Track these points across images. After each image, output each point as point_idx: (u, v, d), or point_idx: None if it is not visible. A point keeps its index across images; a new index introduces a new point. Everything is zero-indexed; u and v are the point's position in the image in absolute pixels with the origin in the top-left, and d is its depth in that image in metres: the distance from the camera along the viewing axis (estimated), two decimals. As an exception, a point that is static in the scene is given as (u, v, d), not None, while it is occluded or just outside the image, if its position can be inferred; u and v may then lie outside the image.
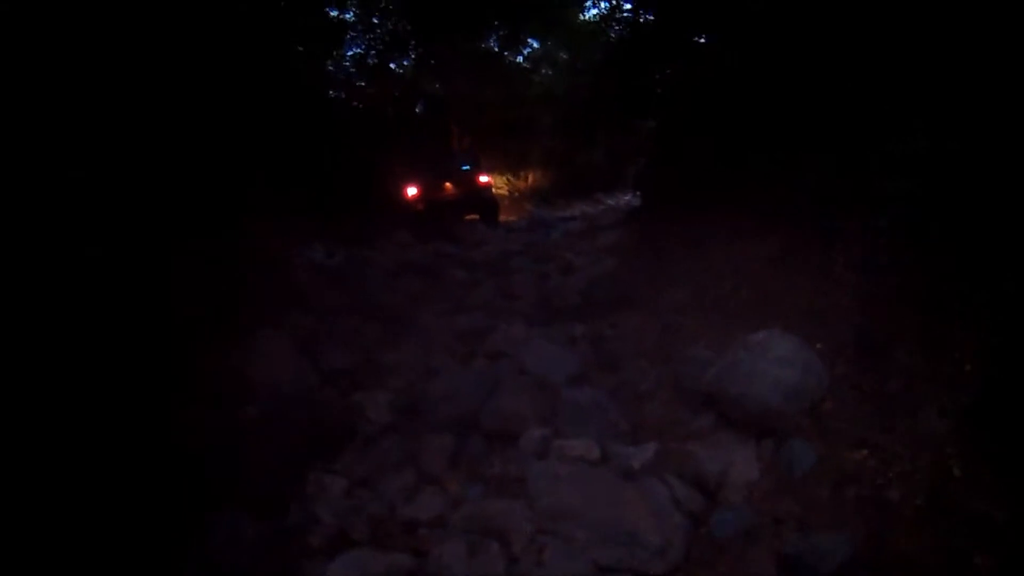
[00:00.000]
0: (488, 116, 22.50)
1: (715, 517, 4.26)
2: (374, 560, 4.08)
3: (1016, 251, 4.36)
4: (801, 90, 6.76)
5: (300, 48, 14.46)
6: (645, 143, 18.20)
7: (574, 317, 7.88)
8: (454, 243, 13.54)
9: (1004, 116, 4.78)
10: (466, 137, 21.45)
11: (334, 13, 17.71)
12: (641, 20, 12.89)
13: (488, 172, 17.56)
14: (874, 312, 5.25)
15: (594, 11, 19.22)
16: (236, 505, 4.47)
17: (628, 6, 13.79)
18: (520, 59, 25.30)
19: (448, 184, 16.19)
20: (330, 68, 18.28)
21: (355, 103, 19.81)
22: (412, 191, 15.93)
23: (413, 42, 21.52)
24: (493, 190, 18.41)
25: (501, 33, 23.34)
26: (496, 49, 23.94)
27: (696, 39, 10.28)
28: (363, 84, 20.61)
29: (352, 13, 19.19)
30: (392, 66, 22.10)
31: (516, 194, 24.20)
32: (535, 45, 25.16)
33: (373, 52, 20.72)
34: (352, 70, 20.26)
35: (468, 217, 16.39)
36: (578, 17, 21.75)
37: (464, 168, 16.73)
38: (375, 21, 20.37)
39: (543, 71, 25.63)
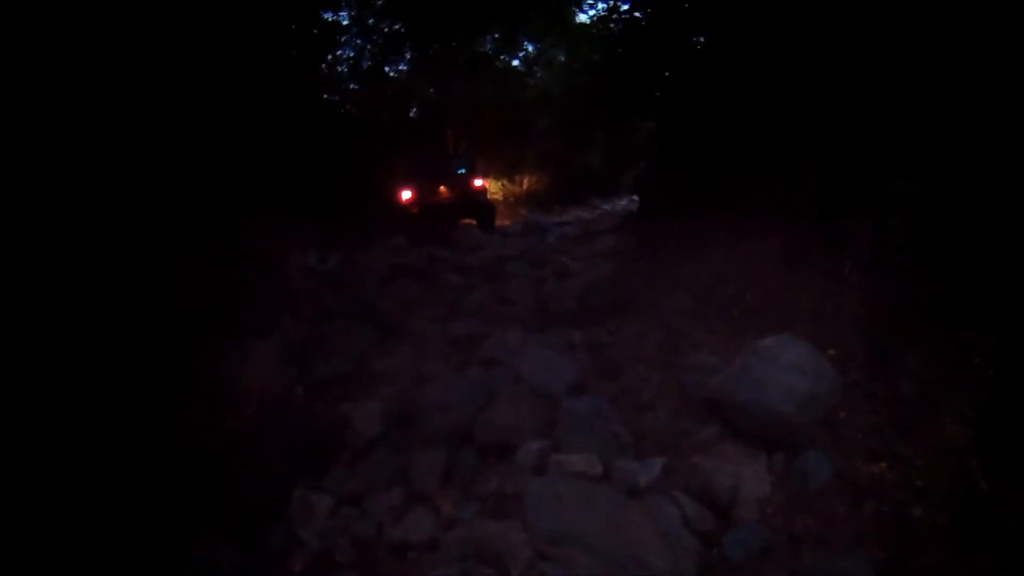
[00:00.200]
0: (484, 119, 22.29)
1: (728, 537, 4.01)
2: (359, 588, 3.82)
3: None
4: (802, 89, 6.54)
5: (294, 51, 14.31)
6: (642, 146, 18.09)
7: (572, 323, 7.61)
8: (449, 247, 13.26)
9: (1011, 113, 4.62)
10: (462, 141, 21.24)
11: (328, 16, 17.51)
12: (639, 20, 12.66)
13: (484, 176, 17.29)
14: (885, 315, 5.05)
15: (591, 12, 18.99)
16: (214, 528, 4.22)
17: (625, 7, 13.51)
18: (516, 62, 25.09)
19: (443, 188, 15.94)
20: (324, 71, 18.03)
21: (350, 107, 19.64)
22: (407, 195, 15.70)
23: (408, 45, 21.35)
24: (489, 194, 18.18)
25: (497, 35, 23.18)
26: (492, 52, 23.72)
27: (695, 39, 10.06)
28: (358, 88, 20.40)
29: (346, 15, 19.02)
30: (387, 70, 21.91)
31: (511, 198, 23.95)
32: (531, 48, 24.95)
33: (368, 55, 20.55)
34: (347, 74, 20.05)
35: (464, 221, 16.16)
36: (575, 18, 21.53)
37: (460, 172, 16.50)
38: (370, 24, 20.20)
39: (539, 73, 25.39)
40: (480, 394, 5.48)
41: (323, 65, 17.81)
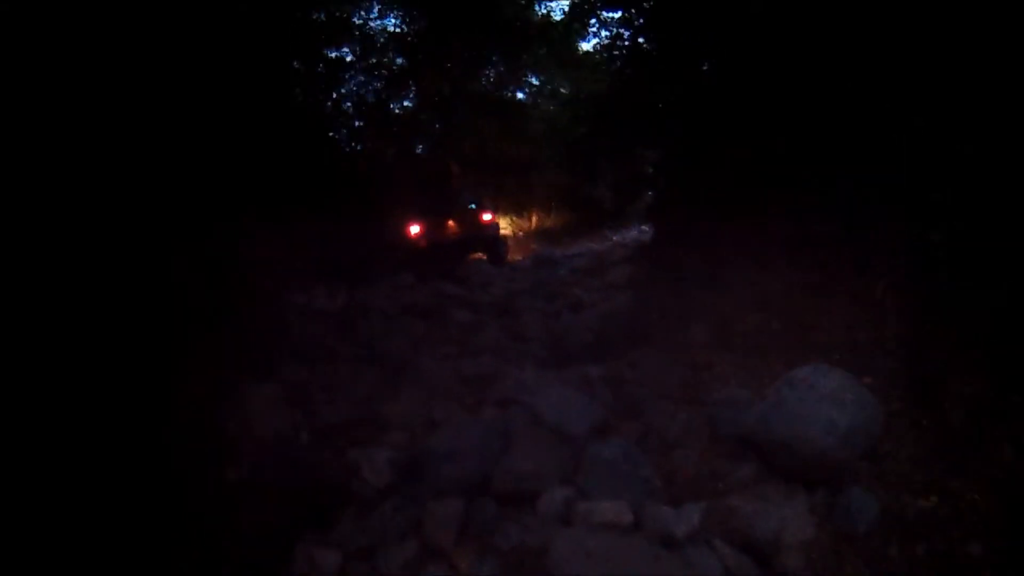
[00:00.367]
0: (490, 154, 22.16)
1: (774, 589, 3.65)
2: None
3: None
4: (823, 101, 6.27)
5: (299, 89, 14.33)
6: (651, 176, 17.92)
7: (589, 358, 7.30)
8: (458, 283, 12.99)
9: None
10: (470, 175, 21.07)
11: (332, 53, 17.53)
12: (644, 47, 12.51)
13: (493, 210, 17.07)
14: (925, 339, 4.76)
15: (594, 40, 18.90)
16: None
17: (628, 34, 13.39)
18: (521, 95, 25.03)
19: (452, 222, 15.75)
20: (330, 109, 17.98)
21: (354, 143, 19.58)
22: (415, 229, 15.50)
23: (412, 81, 21.35)
24: (499, 228, 17.98)
25: (500, 69, 23.18)
26: (496, 85, 23.70)
27: (703, 62, 9.86)
28: (362, 124, 20.34)
29: (350, 52, 19.03)
30: (392, 106, 21.88)
31: (520, 233, 23.80)
32: (535, 80, 24.92)
33: (372, 92, 20.54)
34: (351, 111, 20.02)
35: (474, 256, 15.93)
36: (577, 48, 21.48)
37: (469, 206, 16.28)
38: (373, 61, 20.21)
39: (544, 106, 25.31)
40: (496, 438, 5.12)
41: (328, 103, 17.78)
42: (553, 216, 24.67)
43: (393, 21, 20.33)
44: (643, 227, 20.74)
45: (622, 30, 13.52)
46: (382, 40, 20.13)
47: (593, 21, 15.94)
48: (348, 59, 18.90)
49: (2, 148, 4.35)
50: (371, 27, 20.01)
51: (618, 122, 14.33)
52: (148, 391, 4.73)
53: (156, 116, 6.07)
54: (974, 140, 4.71)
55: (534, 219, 24.64)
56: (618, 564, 3.61)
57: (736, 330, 6.38)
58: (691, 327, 6.96)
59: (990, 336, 4.38)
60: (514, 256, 18.58)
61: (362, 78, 20.18)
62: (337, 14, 17.37)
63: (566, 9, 20.13)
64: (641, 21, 12.10)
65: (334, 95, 18.27)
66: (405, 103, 22.23)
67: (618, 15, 13.27)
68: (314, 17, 15.50)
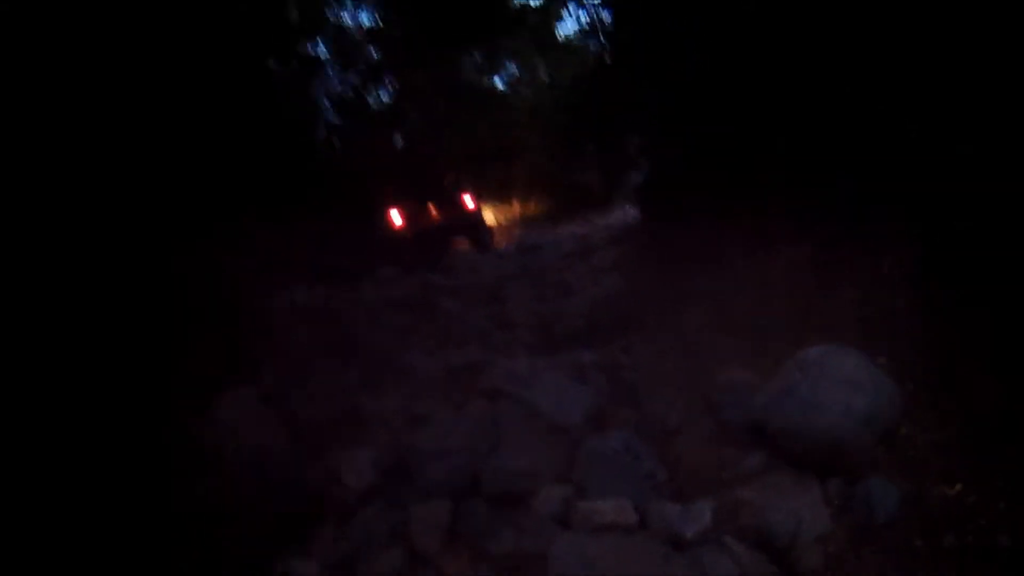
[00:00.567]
0: (471, 142, 21.89)
1: (793, 588, 3.35)
2: None
3: None
4: (826, 69, 5.98)
5: (275, 86, 14.20)
6: (635, 157, 17.67)
7: (581, 343, 7.04)
8: (443, 272, 12.70)
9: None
10: (452, 164, 20.78)
11: (309, 49, 17.37)
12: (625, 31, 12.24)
13: (476, 196, 16.83)
14: (944, 317, 4.44)
15: (575, 26, 18.71)
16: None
17: (609, 15, 13.14)
18: (499, 82, 24.77)
19: (436, 210, 15.54)
20: (307, 105, 17.74)
21: (333, 137, 19.32)
22: (398, 220, 15.26)
23: (389, 74, 21.07)
24: (483, 214, 17.73)
25: (478, 58, 22.93)
26: (475, 73, 23.44)
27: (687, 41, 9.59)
28: (341, 120, 20.06)
29: (325, 48, 18.78)
30: (370, 100, 21.61)
31: (504, 219, 23.50)
32: (514, 67, 24.65)
33: (349, 86, 20.28)
34: (330, 106, 19.76)
35: (459, 243, 15.68)
36: (557, 34, 21.25)
37: (452, 193, 16.05)
38: (350, 55, 19.95)
39: (524, 93, 25.04)
40: (486, 433, 4.82)
41: (305, 99, 17.57)
42: (536, 202, 24.37)
43: (367, 16, 20.07)
44: (628, 208, 20.48)
45: (603, 12, 13.28)
46: (357, 35, 19.83)
47: (572, 5, 15.77)
48: (324, 55, 18.60)
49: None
50: (346, 22, 19.74)
51: (601, 105, 14.09)
52: (119, 395, 4.41)
53: (130, 113, 5.82)
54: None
55: (517, 205, 24.34)
56: (624, 569, 3.30)
57: (734, 311, 6.08)
58: (686, 309, 6.67)
59: (1015, 311, 4.09)
60: (499, 242, 18.29)
61: (340, 73, 19.89)
62: (311, 11, 17.22)
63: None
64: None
65: (310, 91, 18.04)
66: (383, 96, 21.92)
67: (598, -1, 13.04)
68: (288, 14, 15.34)
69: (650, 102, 11.22)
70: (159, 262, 5.73)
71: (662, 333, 6.58)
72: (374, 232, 15.36)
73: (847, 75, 5.75)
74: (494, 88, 24.78)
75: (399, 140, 22.32)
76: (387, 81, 21.65)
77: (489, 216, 21.65)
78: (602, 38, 14.09)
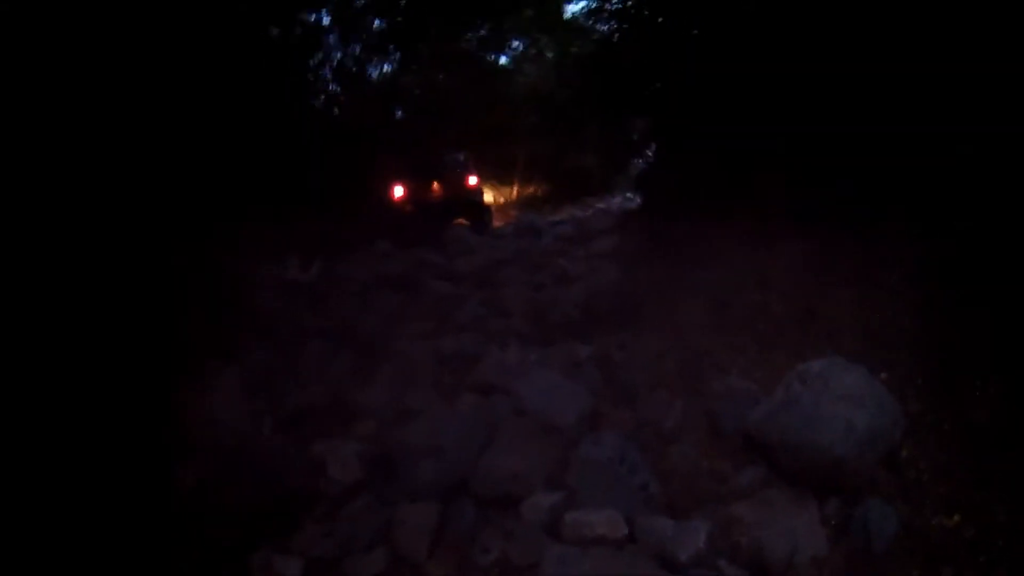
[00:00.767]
0: (472, 119, 21.63)
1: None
2: None
3: None
4: (833, 63, 5.85)
5: (274, 53, 13.93)
6: (637, 142, 17.50)
7: (576, 335, 6.89)
8: (439, 251, 12.52)
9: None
10: (454, 139, 20.56)
11: (310, 17, 16.99)
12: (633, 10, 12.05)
13: (477, 175, 16.61)
14: (948, 331, 4.34)
15: (581, 4, 18.40)
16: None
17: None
18: (504, 59, 24.45)
19: (437, 185, 15.40)
20: (307, 74, 17.45)
21: (333, 109, 19.05)
22: (399, 192, 15.14)
23: (392, 46, 20.76)
24: (483, 193, 17.52)
25: (482, 33, 22.61)
26: (479, 49, 23.12)
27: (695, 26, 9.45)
28: (341, 90, 19.76)
29: (328, 16, 18.41)
30: (371, 71, 21.30)
31: (502, 199, 23.31)
32: (519, 44, 24.34)
33: (351, 56, 19.96)
34: (330, 76, 19.44)
35: (458, 221, 15.48)
36: (563, 11, 20.95)
37: (454, 170, 15.84)
38: (352, 24, 19.61)
39: (528, 70, 24.75)
40: (477, 431, 4.68)
41: (305, 67, 17.29)
42: (535, 183, 24.17)
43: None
44: (628, 194, 20.32)
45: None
46: (360, 3, 19.49)
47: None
48: (325, 23, 18.25)
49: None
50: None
51: (606, 86, 13.90)
52: (90, 378, 4.26)
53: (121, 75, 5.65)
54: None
55: (516, 186, 24.15)
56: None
57: (734, 311, 5.98)
58: (684, 305, 6.56)
59: (1017, 328, 3.98)
60: (496, 223, 18.11)
61: (341, 43, 19.56)
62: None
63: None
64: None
65: (311, 61, 17.76)
66: (385, 68, 21.60)
67: (608, -24, 12.82)
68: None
69: (656, 88, 11.10)
70: (132, 234, 5.52)
71: (659, 329, 6.45)
72: (371, 205, 15.12)
73: (850, 74, 5.64)
74: (497, 64, 24.44)
75: (399, 113, 22.06)
76: (389, 52, 21.32)
77: (488, 196, 21.50)
78: (609, 17, 13.79)
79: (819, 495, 3.85)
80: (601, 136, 21.62)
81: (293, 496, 4.34)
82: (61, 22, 5.23)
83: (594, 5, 15.28)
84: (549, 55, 23.99)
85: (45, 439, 3.79)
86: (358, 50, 19.92)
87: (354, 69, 19.87)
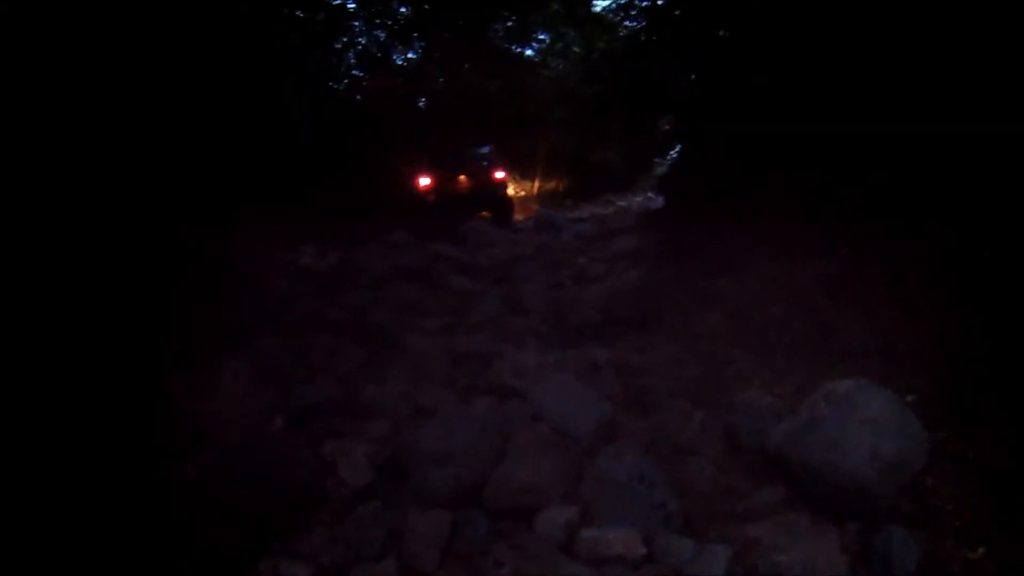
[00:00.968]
0: (496, 111, 21.51)
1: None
2: None
3: None
4: (864, 67, 5.73)
5: (295, 36, 13.86)
6: (661, 142, 17.41)
7: (594, 338, 6.83)
8: (457, 243, 12.42)
9: None
10: (479, 131, 20.46)
11: (335, 1, 16.92)
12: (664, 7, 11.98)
13: (504, 168, 16.48)
14: (976, 357, 4.21)
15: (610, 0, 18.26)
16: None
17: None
18: (530, 51, 24.32)
19: (463, 177, 15.31)
20: (331, 58, 17.38)
21: (356, 95, 18.98)
22: (425, 181, 15.10)
23: (417, 33, 20.66)
24: (508, 187, 17.40)
25: (509, 24, 22.48)
26: (504, 40, 23.01)
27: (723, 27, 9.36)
28: (364, 76, 19.69)
29: (353, 1, 18.33)
30: (395, 58, 21.23)
31: (523, 192, 23.20)
32: (545, 37, 24.20)
33: (375, 43, 19.88)
34: (354, 61, 19.38)
35: (481, 214, 15.38)
36: (591, 6, 20.80)
37: (481, 163, 15.73)
38: (377, 9, 19.51)
39: (554, 64, 24.60)
40: (491, 438, 4.57)
41: (329, 52, 17.22)
42: (557, 178, 24.05)
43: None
44: (649, 194, 20.23)
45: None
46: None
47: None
48: (350, 7, 18.15)
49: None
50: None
51: (632, 84, 13.81)
52: (78, 366, 4.19)
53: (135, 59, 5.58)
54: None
55: (537, 180, 24.04)
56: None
57: (755, 322, 5.87)
58: (705, 313, 6.48)
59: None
60: (517, 216, 18.02)
61: (365, 28, 19.47)
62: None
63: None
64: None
65: (335, 44, 17.67)
66: (409, 55, 21.51)
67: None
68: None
69: (682, 88, 11.01)
70: (139, 219, 5.43)
71: (679, 335, 6.38)
72: (391, 193, 15.09)
73: (884, 76, 5.53)
74: (522, 56, 24.30)
75: (423, 101, 21.99)
76: (413, 39, 21.23)
77: (509, 189, 21.45)
78: (638, 13, 13.72)
79: (839, 520, 3.73)
80: (625, 134, 21.52)
81: (302, 497, 4.24)
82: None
83: (623, 1, 15.20)
84: (576, 50, 23.81)
85: (29, 433, 3.69)
86: (383, 36, 19.87)
87: (378, 55, 19.81)
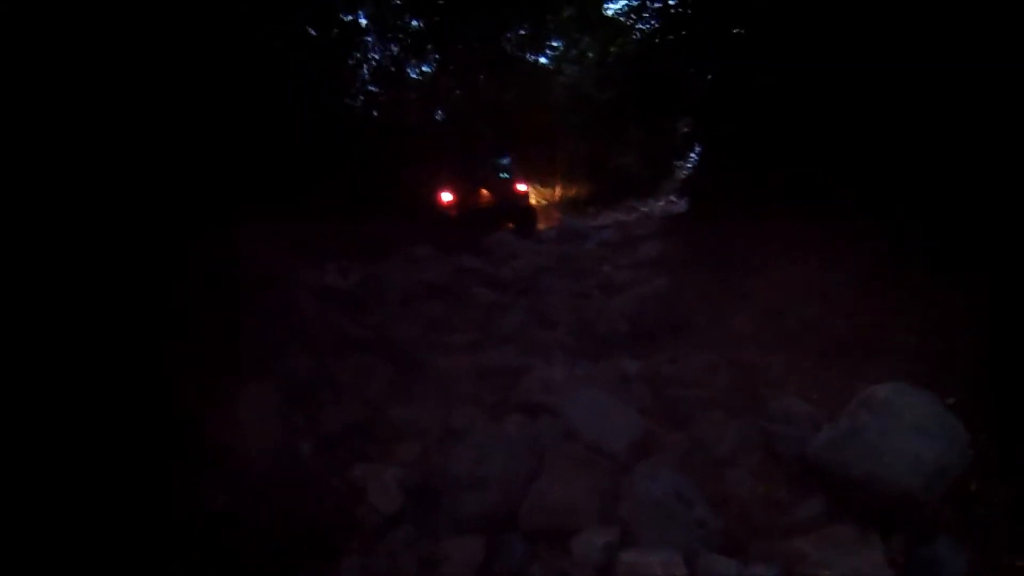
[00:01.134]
0: (513, 120, 21.45)
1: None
2: None
3: None
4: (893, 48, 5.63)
5: (311, 52, 13.90)
6: (681, 145, 17.28)
7: (624, 349, 6.71)
8: (480, 256, 12.35)
9: None
10: (499, 143, 20.44)
11: (347, 17, 16.90)
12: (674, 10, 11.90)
13: (525, 180, 16.40)
14: (1012, 353, 4.09)
15: (622, 2, 18.16)
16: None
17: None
18: (544, 59, 24.25)
19: (485, 191, 15.18)
20: (345, 73, 17.40)
21: (372, 110, 18.99)
22: (447, 196, 14.97)
23: (431, 45, 20.66)
24: (530, 198, 17.33)
25: (522, 32, 22.45)
26: (519, 49, 22.96)
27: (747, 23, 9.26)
28: (379, 90, 19.71)
29: (365, 16, 18.33)
30: (410, 71, 21.23)
31: (544, 202, 23.11)
32: (559, 44, 24.14)
33: (390, 56, 19.90)
34: (368, 76, 19.39)
35: (504, 226, 15.33)
36: (603, 11, 20.71)
37: (502, 176, 15.65)
38: (390, 23, 19.54)
39: (569, 71, 24.51)
40: (523, 458, 4.46)
41: (343, 67, 17.25)
42: (578, 185, 23.93)
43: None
44: (671, 198, 20.08)
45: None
46: (398, 2, 19.39)
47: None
48: (363, 23, 18.16)
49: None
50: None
51: (648, 87, 13.73)
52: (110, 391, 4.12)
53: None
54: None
55: (558, 187, 23.94)
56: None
57: (788, 325, 5.76)
58: (736, 317, 6.36)
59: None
60: (539, 225, 17.93)
61: (378, 42, 19.48)
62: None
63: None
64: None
65: (349, 61, 17.69)
66: (424, 68, 21.50)
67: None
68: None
69: (699, 88, 10.93)
70: (163, 236, 5.38)
71: (710, 342, 6.24)
72: (411, 208, 15.02)
73: (908, 72, 5.42)
74: (537, 64, 24.23)
75: (439, 114, 21.97)
76: (427, 52, 21.23)
77: (531, 198, 21.40)
78: (652, 16, 13.65)
79: (881, 529, 3.62)
80: (643, 138, 21.40)
81: (331, 524, 4.18)
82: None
83: (636, 3, 15.12)
84: (590, 55, 23.73)
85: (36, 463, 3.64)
86: (396, 50, 19.88)
87: (392, 69, 19.83)
